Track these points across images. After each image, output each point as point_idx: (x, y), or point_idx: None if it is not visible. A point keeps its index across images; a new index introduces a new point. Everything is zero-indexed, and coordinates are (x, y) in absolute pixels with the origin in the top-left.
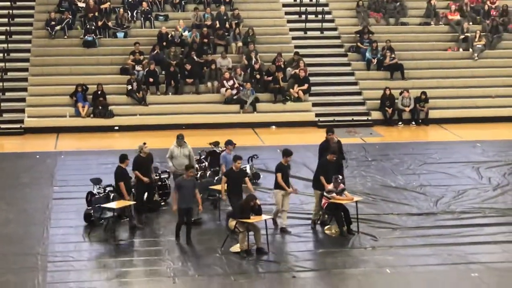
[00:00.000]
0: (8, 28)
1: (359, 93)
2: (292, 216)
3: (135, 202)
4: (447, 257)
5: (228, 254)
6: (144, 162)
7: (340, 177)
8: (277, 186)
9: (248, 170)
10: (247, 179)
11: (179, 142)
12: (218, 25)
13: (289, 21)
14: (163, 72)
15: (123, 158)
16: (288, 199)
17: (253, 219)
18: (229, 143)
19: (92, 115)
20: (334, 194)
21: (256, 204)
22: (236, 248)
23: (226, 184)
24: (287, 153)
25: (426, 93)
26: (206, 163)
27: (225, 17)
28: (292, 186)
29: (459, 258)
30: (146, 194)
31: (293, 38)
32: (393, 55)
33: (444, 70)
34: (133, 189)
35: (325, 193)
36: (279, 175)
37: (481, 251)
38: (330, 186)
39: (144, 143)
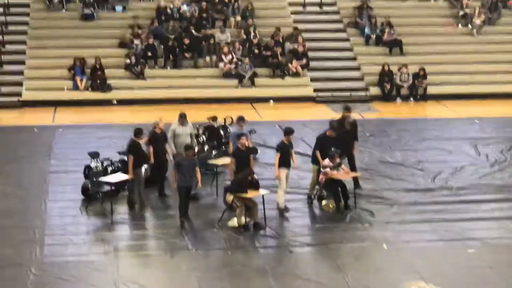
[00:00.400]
0: (6, 0)
1: (357, 69)
2: (290, 191)
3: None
4: (444, 233)
5: (226, 229)
6: (159, 138)
7: (338, 151)
8: (279, 164)
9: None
10: (251, 157)
11: (182, 121)
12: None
13: None
14: (162, 46)
15: (138, 132)
16: (288, 178)
17: (250, 194)
18: (241, 119)
19: (90, 89)
20: (328, 170)
21: (253, 178)
22: (233, 222)
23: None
24: (288, 131)
25: (424, 69)
26: (204, 138)
27: None
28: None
29: (456, 234)
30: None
31: (292, 13)
32: (392, 31)
33: (443, 46)
34: (145, 165)
35: (321, 169)
36: (278, 155)
37: (478, 227)
38: (326, 162)
39: (160, 119)
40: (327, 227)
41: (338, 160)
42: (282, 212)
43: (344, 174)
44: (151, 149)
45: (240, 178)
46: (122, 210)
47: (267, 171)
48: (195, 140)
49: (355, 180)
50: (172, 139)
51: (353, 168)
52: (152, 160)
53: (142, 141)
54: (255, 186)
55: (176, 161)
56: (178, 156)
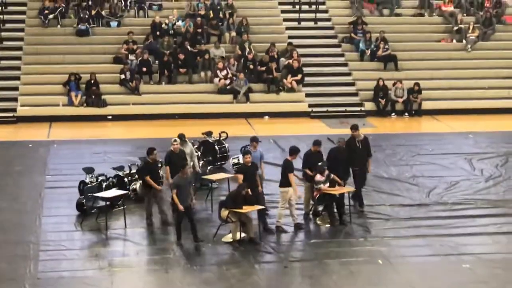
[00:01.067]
0: (1, 16)
1: (352, 84)
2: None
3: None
4: (439, 248)
5: (221, 244)
6: (177, 158)
7: (325, 164)
8: (286, 183)
9: (240, 160)
10: (257, 173)
11: (180, 142)
12: (211, 15)
13: (282, 11)
14: (157, 62)
15: (148, 152)
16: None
17: (245, 209)
18: (254, 139)
19: (85, 104)
20: (322, 185)
21: (248, 193)
22: (228, 238)
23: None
24: (294, 151)
25: (419, 84)
26: (199, 153)
27: (218, 7)
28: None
29: (451, 249)
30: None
31: (287, 28)
32: (386, 46)
33: (437, 62)
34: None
35: (315, 186)
36: (291, 174)
37: (473, 242)
38: (318, 177)
39: (175, 140)
40: (322, 242)
41: (326, 173)
42: (281, 229)
43: (338, 189)
44: (167, 169)
45: (234, 193)
46: (116, 226)
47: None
48: (196, 160)
49: (360, 197)
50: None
51: (361, 185)
52: (169, 180)
53: (154, 159)
54: (250, 201)
55: (175, 182)
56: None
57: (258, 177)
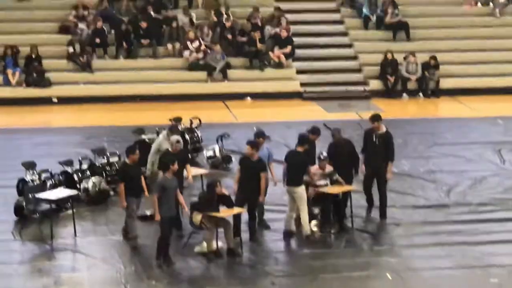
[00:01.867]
0: None
1: (354, 58)
2: (271, 209)
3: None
4: (462, 259)
5: (193, 256)
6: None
7: (325, 154)
8: (300, 181)
9: (216, 153)
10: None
11: (172, 134)
12: None
13: None
14: (113, 31)
15: (128, 150)
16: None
17: (223, 212)
18: (260, 134)
19: (24, 84)
20: (322, 181)
21: (221, 189)
22: (202, 248)
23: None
24: (304, 139)
25: (436, 57)
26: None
27: None
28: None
29: (475, 260)
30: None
31: None
32: (396, 11)
33: (458, 30)
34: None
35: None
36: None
37: (503, 252)
38: (314, 169)
39: (178, 141)
40: (318, 253)
41: (328, 167)
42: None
43: (336, 188)
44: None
45: (207, 191)
46: (64, 234)
47: None
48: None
49: (382, 209)
50: (154, 157)
51: (382, 196)
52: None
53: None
54: (228, 202)
55: (159, 183)
56: (154, 175)
57: (264, 180)
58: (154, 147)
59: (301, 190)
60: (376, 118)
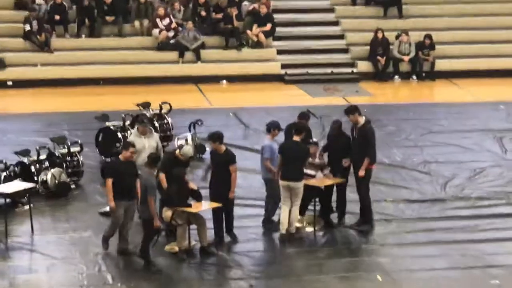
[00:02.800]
0: None
1: (341, 37)
2: (249, 204)
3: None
4: (459, 259)
5: (163, 255)
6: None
7: (315, 140)
8: (302, 175)
9: (188, 141)
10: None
11: (143, 129)
12: None
13: None
14: (74, 7)
15: (124, 145)
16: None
17: (195, 207)
18: (274, 125)
19: None
20: (309, 171)
21: (186, 181)
22: (173, 247)
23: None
24: (300, 129)
25: (431, 36)
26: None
27: None
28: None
29: (474, 259)
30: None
31: None
32: None
33: (456, 6)
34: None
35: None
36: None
37: (504, 251)
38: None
39: (183, 144)
40: (301, 252)
41: (318, 155)
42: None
43: (321, 180)
44: (163, 177)
45: (177, 185)
46: (20, 232)
47: None
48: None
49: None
50: None
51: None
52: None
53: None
54: (198, 197)
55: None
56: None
57: (235, 174)
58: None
59: (301, 186)
60: (349, 111)
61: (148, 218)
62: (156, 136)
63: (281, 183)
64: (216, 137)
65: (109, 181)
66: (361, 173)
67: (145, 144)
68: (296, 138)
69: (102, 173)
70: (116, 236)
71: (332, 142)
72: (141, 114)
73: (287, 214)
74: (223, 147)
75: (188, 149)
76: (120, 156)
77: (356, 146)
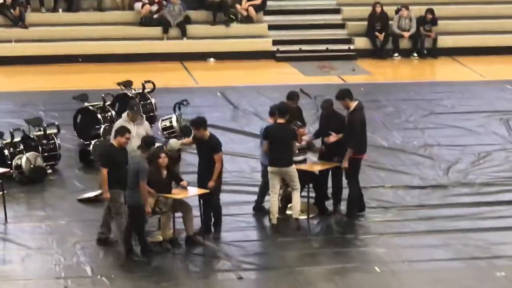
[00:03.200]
0: None
1: (336, 11)
2: (238, 190)
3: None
4: (462, 249)
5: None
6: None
7: (299, 123)
8: (291, 159)
9: (173, 123)
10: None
11: (133, 115)
12: None
13: None
14: None
15: (118, 131)
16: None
17: (179, 193)
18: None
19: None
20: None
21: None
22: (156, 236)
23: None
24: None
25: (433, 10)
26: (113, 113)
27: None
28: None
29: (478, 250)
30: None
31: None
32: None
33: None
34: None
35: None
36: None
37: (510, 240)
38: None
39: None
40: (293, 242)
41: (305, 138)
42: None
43: (314, 164)
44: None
45: (151, 165)
46: None
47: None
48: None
49: (349, 206)
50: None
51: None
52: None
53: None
54: (176, 179)
55: (146, 169)
56: None
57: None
58: (114, 133)
59: (293, 169)
60: (339, 96)
61: (137, 205)
62: (146, 124)
63: (270, 169)
64: (200, 123)
65: (105, 171)
66: (345, 164)
67: (133, 131)
68: (280, 120)
69: (81, 157)
70: (95, 224)
71: (324, 124)
72: (132, 99)
73: (276, 203)
74: (207, 133)
75: (174, 142)
76: (114, 142)
77: (345, 133)
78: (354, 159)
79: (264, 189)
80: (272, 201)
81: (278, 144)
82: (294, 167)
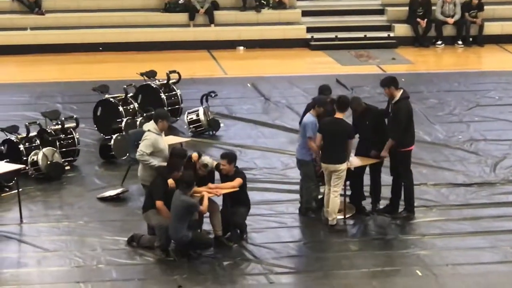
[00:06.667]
0: None
1: None
2: (269, 188)
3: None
4: (510, 252)
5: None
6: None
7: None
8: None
9: (200, 116)
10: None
11: (163, 125)
12: None
13: None
14: None
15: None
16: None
17: (206, 191)
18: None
19: None
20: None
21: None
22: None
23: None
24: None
25: None
26: (136, 105)
27: None
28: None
29: None
30: None
31: None
32: None
33: None
34: None
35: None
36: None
37: None
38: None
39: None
40: (330, 243)
41: None
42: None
43: (356, 160)
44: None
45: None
46: (7, 220)
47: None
48: None
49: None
50: (150, 155)
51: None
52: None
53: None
54: (209, 178)
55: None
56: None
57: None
58: (146, 144)
59: (343, 167)
60: (384, 82)
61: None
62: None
63: (322, 166)
64: (233, 158)
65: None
66: (384, 153)
67: (163, 143)
68: (339, 115)
69: (101, 152)
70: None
71: (358, 124)
72: (156, 91)
73: (337, 201)
74: (233, 168)
75: (210, 163)
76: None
77: (389, 123)
78: (404, 152)
79: (307, 188)
80: (333, 199)
81: (331, 140)
82: (344, 166)
